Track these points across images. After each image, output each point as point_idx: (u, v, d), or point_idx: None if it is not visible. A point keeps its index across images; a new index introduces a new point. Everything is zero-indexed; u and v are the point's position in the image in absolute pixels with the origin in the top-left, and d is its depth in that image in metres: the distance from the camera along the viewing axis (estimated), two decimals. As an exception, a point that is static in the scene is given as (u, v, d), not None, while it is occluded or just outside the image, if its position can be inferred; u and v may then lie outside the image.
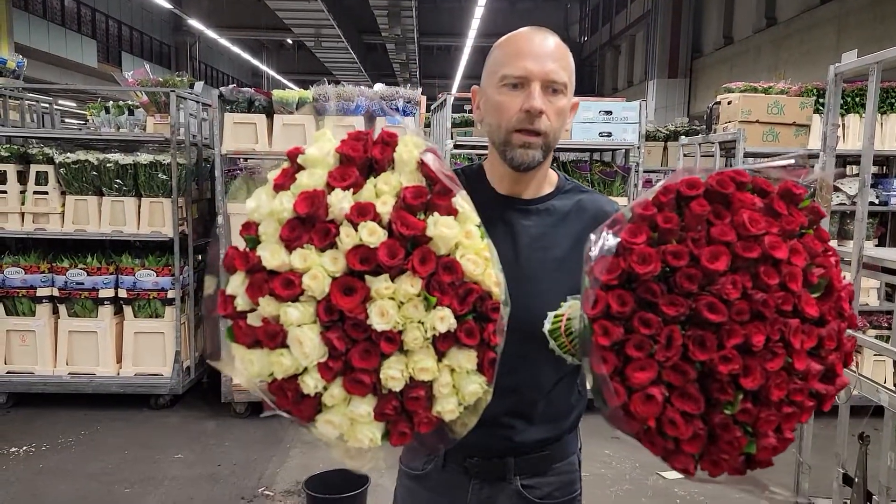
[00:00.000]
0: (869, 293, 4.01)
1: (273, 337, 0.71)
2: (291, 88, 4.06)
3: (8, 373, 3.76)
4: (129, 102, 4.65)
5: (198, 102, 4.22)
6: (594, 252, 0.73)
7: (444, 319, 0.70)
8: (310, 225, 0.72)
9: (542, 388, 1.08)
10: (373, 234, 0.70)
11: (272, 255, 0.71)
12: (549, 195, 1.11)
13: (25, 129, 4.50)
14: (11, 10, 11.88)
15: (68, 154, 3.74)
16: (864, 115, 2.47)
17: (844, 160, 4.37)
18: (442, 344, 0.72)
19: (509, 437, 1.08)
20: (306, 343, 0.69)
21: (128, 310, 3.79)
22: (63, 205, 3.78)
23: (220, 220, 3.65)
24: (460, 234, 0.73)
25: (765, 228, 0.69)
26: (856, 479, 2.32)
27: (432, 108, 5.55)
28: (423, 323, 0.71)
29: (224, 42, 19.33)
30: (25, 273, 3.72)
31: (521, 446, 1.09)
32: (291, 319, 0.70)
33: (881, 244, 4.18)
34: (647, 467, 3.21)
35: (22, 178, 3.80)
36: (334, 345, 0.70)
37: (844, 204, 3.91)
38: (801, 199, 0.74)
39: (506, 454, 1.10)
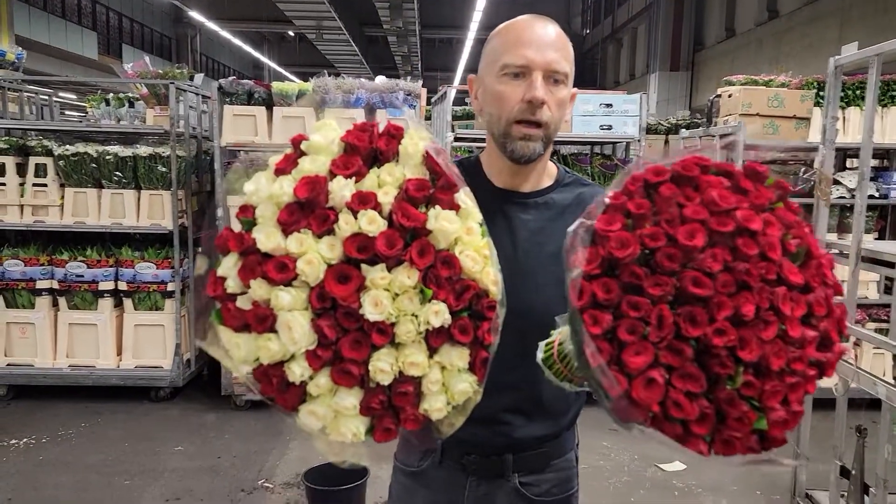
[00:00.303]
0: (868, 286, 4.01)
1: (262, 320, 0.70)
2: (292, 81, 4.04)
3: (8, 365, 3.77)
4: (130, 95, 4.64)
5: (197, 94, 4.21)
6: (572, 245, 0.74)
7: (438, 314, 0.70)
8: (309, 210, 0.71)
9: (541, 384, 1.08)
10: (372, 223, 0.69)
11: (267, 238, 0.70)
12: (549, 188, 1.10)
13: (25, 121, 4.49)
14: (12, 3, 11.84)
15: (67, 146, 3.73)
16: (864, 107, 2.46)
17: (845, 153, 4.35)
18: (435, 339, 0.71)
19: (508, 434, 1.07)
20: (296, 328, 0.68)
21: (128, 302, 3.79)
22: (62, 197, 3.78)
23: (219, 212, 3.65)
24: (461, 229, 0.72)
25: (735, 204, 0.71)
26: (853, 472, 2.33)
27: (433, 100, 5.53)
28: (416, 316, 0.70)
29: (225, 34, 19.27)
30: (25, 265, 3.73)
31: (519, 443, 1.09)
32: (283, 304, 0.69)
33: (881, 237, 4.17)
34: (646, 459, 3.22)
35: (21, 170, 3.80)
36: (325, 333, 0.69)
37: (844, 197, 3.90)
38: (765, 177, 0.75)
39: (504, 451, 1.09)
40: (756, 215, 0.71)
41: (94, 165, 3.72)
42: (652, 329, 0.68)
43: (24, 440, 3.31)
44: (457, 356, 0.72)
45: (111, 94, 4.65)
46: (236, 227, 0.75)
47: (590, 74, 22.83)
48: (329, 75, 3.78)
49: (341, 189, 0.71)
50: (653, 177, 0.74)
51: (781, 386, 0.69)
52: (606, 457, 3.26)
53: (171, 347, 3.79)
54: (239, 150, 3.81)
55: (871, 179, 3.90)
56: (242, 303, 0.71)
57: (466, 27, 15.62)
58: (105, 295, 3.74)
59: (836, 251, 2.58)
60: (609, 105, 3.92)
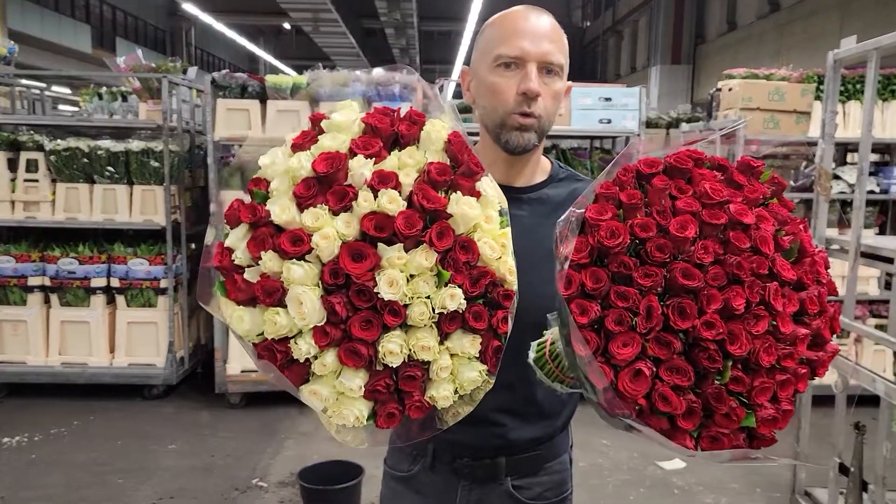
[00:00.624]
0: (869, 282, 3.98)
1: (271, 294, 0.69)
2: (287, 74, 3.99)
3: (0, 363, 3.74)
4: (122, 89, 4.59)
5: (190, 88, 4.15)
6: (562, 235, 0.73)
7: (454, 297, 0.69)
8: (326, 186, 0.70)
9: (535, 384, 1.05)
10: (392, 202, 0.69)
11: (282, 210, 0.69)
12: (543, 183, 1.08)
13: (16, 115, 4.43)
14: (5, -4, 11.75)
15: (59, 141, 3.69)
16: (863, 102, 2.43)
17: (845, 148, 4.32)
18: (448, 325, 0.70)
19: (501, 436, 1.06)
20: (307, 303, 0.67)
21: (120, 299, 3.76)
22: (54, 193, 3.74)
23: (213, 207, 3.61)
24: (481, 216, 0.72)
25: (728, 198, 0.70)
26: (852, 469, 2.32)
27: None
28: (430, 299, 0.69)
29: (220, 27, 19.14)
30: (16, 262, 3.69)
31: (512, 445, 1.07)
32: (294, 277, 0.67)
33: (882, 233, 4.14)
34: (645, 457, 3.20)
35: (12, 165, 3.76)
36: (336, 310, 0.67)
37: (845, 192, 3.87)
38: (760, 171, 0.75)
39: (497, 454, 1.07)
40: (749, 210, 0.70)
41: (85, 160, 3.68)
42: (640, 320, 0.67)
43: (17, 438, 3.28)
44: (468, 343, 0.72)
45: (104, 88, 4.60)
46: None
47: (590, 67, 22.75)
48: (324, 68, 3.73)
49: (361, 167, 0.71)
50: (645, 168, 0.74)
51: (770, 383, 0.68)
52: (605, 455, 3.24)
53: (164, 345, 3.76)
54: (232, 145, 3.77)
55: (871, 174, 3.88)
56: (250, 275, 0.71)
57: (465, 19, 15.51)
58: (97, 292, 3.71)
59: (836, 247, 2.56)
60: (608, 99, 3.87)
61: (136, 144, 3.71)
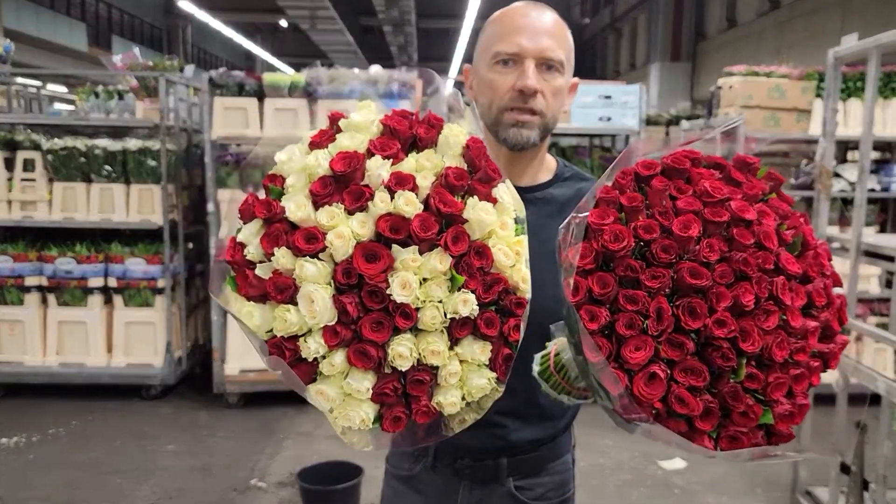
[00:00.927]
0: (869, 280, 3.97)
1: (283, 290, 0.68)
2: (284, 72, 3.97)
3: (-3, 363, 3.72)
4: (119, 87, 4.56)
5: (187, 86, 4.13)
6: (564, 241, 0.73)
7: (467, 302, 0.69)
8: (342, 185, 0.71)
9: (537, 385, 1.04)
10: (409, 204, 0.69)
11: (297, 207, 0.69)
12: (547, 183, 1.07)
13: (12, 114, 4.41)
14: (0, -6, 11.69)
15: (56, 140, 3.67)
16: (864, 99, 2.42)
17: (846, 146, 4.31)
18: (459, 330, 0.70)
19: (503, 437, 1.05)
20: (318, 302, 0.67)
21: (118, 299, 3.74)
22: (51, 192, 3.72)
23: (210, 206, 3.59)
24: (496, 222, 0.72)
25: (728, 195, 0.70)
26: (853, 468, 2.31)
27: (428, 91, 5.46)
28: (443, 303, 0.69)
29: (217, 25, 19.08)
30: (14, 262, 3.67)
31: (514, 446, 1.06)
32: (307, 274, 0.67)
33: (882, 231, 4.14)
34: (647, 457, 3.19)
35: (9, 164, 3.74)
36: (347, 310, 0.67)
37: (845, 190, 3.86)
38: (756, 168, 0.75)
39: (499, 455, 1.07)
40: (750, 206, 0.70)
41: (83, 159, 3.66)
42: (651, 322, 0.67)
43: (15, 439, 3.27)
44: (479, 350, 0.72)
45: (101, 87, 4.57)
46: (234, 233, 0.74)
47: (589, 65, 22.71)
48: (322, 66, 3.70)
49: (378, 168, 0.70)
50: (643, 170, 0.73)
51: (785, 378, 0.68)
52: (607, 455, 3.23)
53: (161, 345, 3.74)
54: (230, 144, 3.75)
55: (872, 172, 3.87)
56: (261, 271, 0.70)
57: (463, 16, 15.47)
58: (95, 291, 3.69)
59: (837, 245, 2.55)
60: (608, 96, 3.86)
61: (133, 143, 3.69)
